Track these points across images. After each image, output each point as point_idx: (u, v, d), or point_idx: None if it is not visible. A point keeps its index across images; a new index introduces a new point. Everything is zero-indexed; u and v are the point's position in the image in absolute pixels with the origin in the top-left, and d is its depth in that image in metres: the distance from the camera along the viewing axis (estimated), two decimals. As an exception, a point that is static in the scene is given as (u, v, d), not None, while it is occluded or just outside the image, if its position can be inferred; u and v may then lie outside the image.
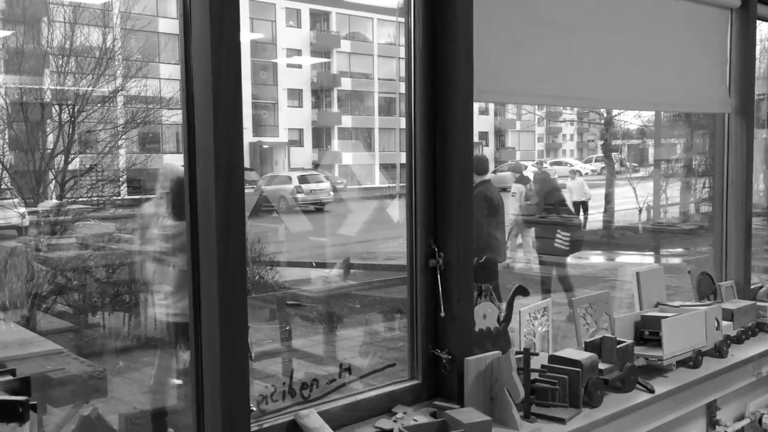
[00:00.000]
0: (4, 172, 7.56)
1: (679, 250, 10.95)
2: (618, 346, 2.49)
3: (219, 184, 1.76)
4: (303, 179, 13.62)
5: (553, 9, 2.70)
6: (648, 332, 2.75)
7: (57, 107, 8.22)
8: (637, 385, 2.50)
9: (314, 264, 7.88)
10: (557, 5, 2.72)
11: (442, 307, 2.30)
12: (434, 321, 2.34)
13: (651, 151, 16.33)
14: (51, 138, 8.20)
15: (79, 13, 8.99)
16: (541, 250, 8.21)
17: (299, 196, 12.86)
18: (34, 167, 7.85)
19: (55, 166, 8.00)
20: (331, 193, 13.81)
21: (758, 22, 3.54)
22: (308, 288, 6.99)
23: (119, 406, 4.74)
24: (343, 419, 2.10)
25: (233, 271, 1.78)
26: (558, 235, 7.77)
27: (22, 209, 7.45)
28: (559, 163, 23.20)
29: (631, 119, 16.07)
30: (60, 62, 8.65)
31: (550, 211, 8.37)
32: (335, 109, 21.98)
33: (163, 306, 4.40)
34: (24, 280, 6.12)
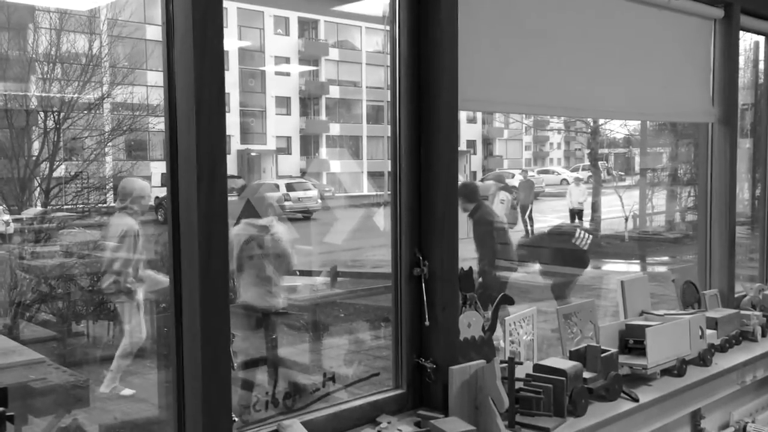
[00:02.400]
0: (-12, 179, 7.51)
1: (665, 258, 11.00)
2: (602, 355, 2.49)
3: (201, 193, 1.75)
4: (290, 187, 13.58)
5: (538, 19, 2.71)
6: (632, 341, 2.76)
7: (42, 114, 8.17)
8: (622, 394, 2.51)
9: (298, 272, 7.84)
10: (542, 15, 2.73)
11: (426, 316, 2.29)
12: (419, 330, 2.33)
13: (637, 160, 16.43)
14: (36, 145, 8.14)
15: (65, 19, 8.94)
16: (556, 260, 8.21)
17: (287, 203, 12.81)
18: (18, 174, 7.79)
19: (40, 174, 7.95)
20: (319, 201, 13.77)
21: (742, 32, 3.58)
22: (294, 296, 6.95)
23: (102, 416, 4.69)
24: (327, 429, 2.09)
25: (215, 281, 1.77)
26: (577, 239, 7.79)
27: (6, 217, 7.39)
28: (546, 172, 23.29)
29: (617, 128, 16.17)
30: (45, 69, 8.60)
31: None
32: (323, 116, 21.98)
33: None
34: (7, 289, 6.06)
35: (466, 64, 2.35)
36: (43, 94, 8.31)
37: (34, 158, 8.00)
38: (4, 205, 7.60)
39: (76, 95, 8.34)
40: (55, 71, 8.61)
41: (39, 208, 7.72)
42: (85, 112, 8.54)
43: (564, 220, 13.31)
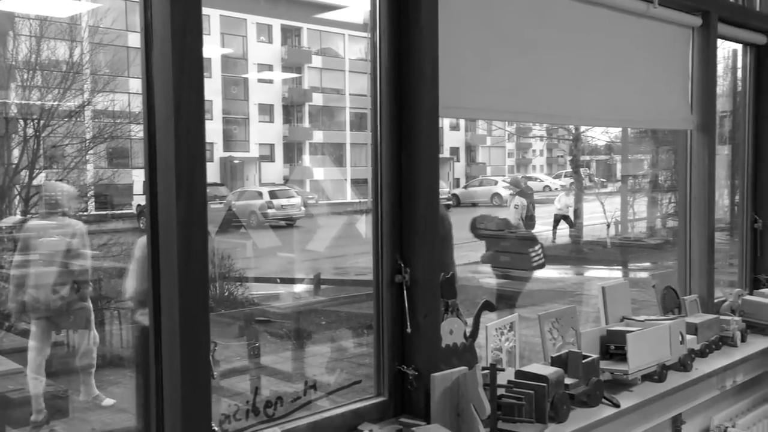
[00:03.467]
0: (-33, 187, 7.42)
1: (647, 264, 11.09)
2: (584, 361, 2.50)
3: (180, 201, 1.73)
4: (273, 194, 13.54)
5: (519, 26, 2.73)
6: (613, 347, 2.77)
7: (22, 122, 8.10)
8: (603, 400, 2.51)
9: (279, 280, 7.82)
10: (523, 23, 2.75)
11: (408, 323, 2.29)
12: (401, 337, 2.33)
13: (618, 166, 16.56)
14: (16, 153, 8.06)
15: (45, 26, 8.88)
16: (511, 266, 8.13)
17: (270, 211, 12.77)
18: (-3, 182, 7.71)
19: (20, 182, 7.87)
20: (303, 208, 13.74)
21: (720, 40, 3.62)
22: (277, 304, 6.93)
23: (82, 427, 4.64)
24: (308, 438, 2.08)
25: (195, 289, 1.76)
26: (532, 252, 7.67)
27: (-15, 225, 7.30)
28: (529, 178, 23.36)
29: (598, 135, 16.29)
30: (25, 76, 8.53)
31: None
32: (306, 124, 21.95)
33: None
34: (-15, 298, 5.99)
35: (448, 72, 2.36)
36: (23, 102, 8.24)
37: (13, 166, 7.93)
38: (-17, 214, 7.51)
39: (56, 103, 8.28)
40: (35, 78, 8.54)
41: (18, 217, 7.64)
42: (66, 119, 8.47)
43: (547, 227, 13.34)
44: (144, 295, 4.54)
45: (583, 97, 3.04)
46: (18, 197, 7.82)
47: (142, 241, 4.51)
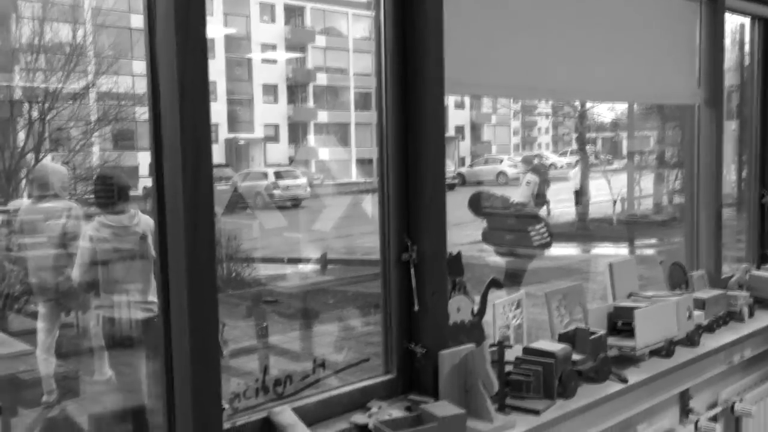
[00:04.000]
0: (-27, 171, 7.44)
1: (653, 241, 11.07)
2: (591, 337, 2.50)
3: (186, 182, 1.73)
4: (279, 175, 13.55)
5: (524, 1, 2.70)
6: (621, 323, 2.77)
7: (27, 105, 8.11)
8: (611, 376, 2.52)
9: (286, 260, 7.85)
10: (528, -2, 2.72)
11: (416, 301, 2.29)
12: (408, 315, 2.33)
13: (624, 143, 16.48)
14: (21, 136, 8.08)
15: (48, 8, 8.85)
16: (512, 244, 8.06)
17: (275, 192, 12.78)
18: (4, 166, 7.74)
19: (27, 165, 7.90)
20: (308, 189, 13.75)
21: (728, 14, 3.58)
22: (284, 284, 6.96)
23: (93, 406, 4.68)
24: (318, 415, 2.09)
25: (202, 270, 1.76)
26: (533, 230, 7.58)
27: (-7, 208, 7.33)
28: (538, 157, 23.29)
29: (604, 112, 16.21)
30: (29, 59, 8.53)
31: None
32: (311, 104, 21.89)
33: None
34: (-5, 281, 6.03)
35: (452, 48, 2.34)
36: (27, 85, 8.24)
37: (19, 149, 7.95)
38: (-10, 197, 7.55)
39: (60, 85, 8.28)
40: (38, 61, 8.54)
41: (26, 200, 7.67)
42: (70, 102, 8.48)
43: (554, 203, 13.28)
44: (90, 285, 4.49)
45: (589, 72, 3.02)
46: (24, 180, 7.85)
47: (85, 232, 4.47)
